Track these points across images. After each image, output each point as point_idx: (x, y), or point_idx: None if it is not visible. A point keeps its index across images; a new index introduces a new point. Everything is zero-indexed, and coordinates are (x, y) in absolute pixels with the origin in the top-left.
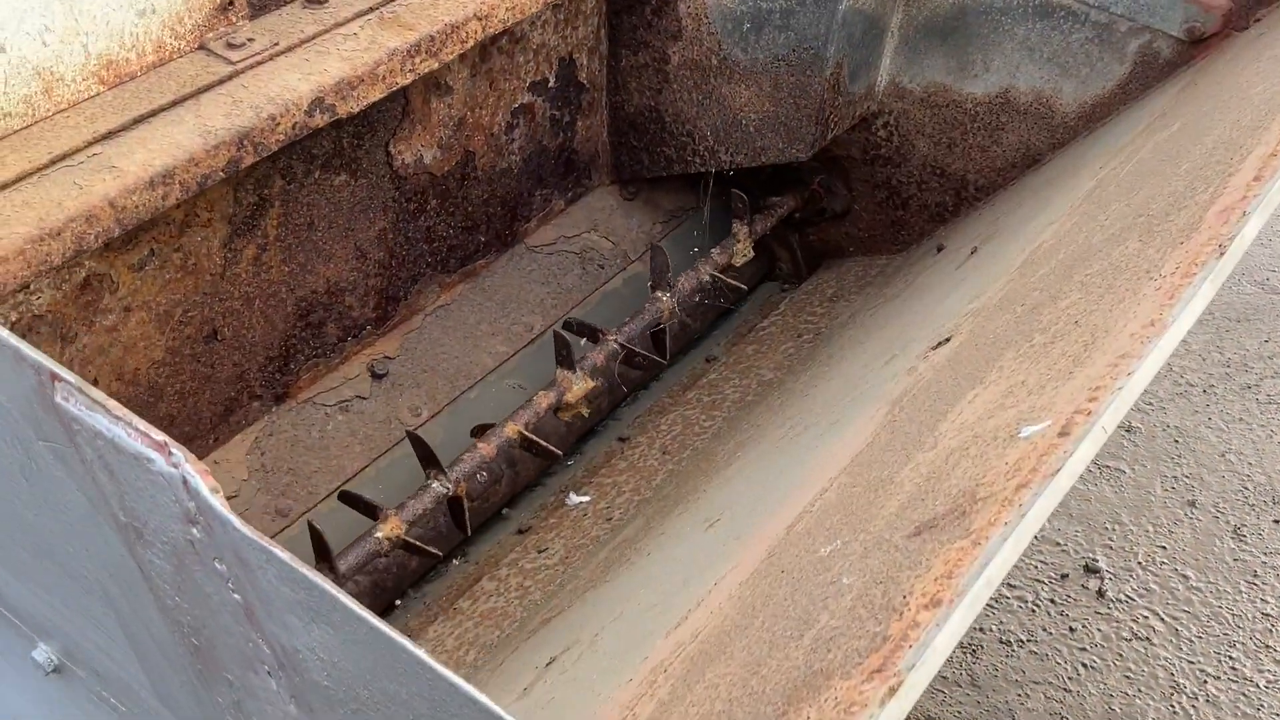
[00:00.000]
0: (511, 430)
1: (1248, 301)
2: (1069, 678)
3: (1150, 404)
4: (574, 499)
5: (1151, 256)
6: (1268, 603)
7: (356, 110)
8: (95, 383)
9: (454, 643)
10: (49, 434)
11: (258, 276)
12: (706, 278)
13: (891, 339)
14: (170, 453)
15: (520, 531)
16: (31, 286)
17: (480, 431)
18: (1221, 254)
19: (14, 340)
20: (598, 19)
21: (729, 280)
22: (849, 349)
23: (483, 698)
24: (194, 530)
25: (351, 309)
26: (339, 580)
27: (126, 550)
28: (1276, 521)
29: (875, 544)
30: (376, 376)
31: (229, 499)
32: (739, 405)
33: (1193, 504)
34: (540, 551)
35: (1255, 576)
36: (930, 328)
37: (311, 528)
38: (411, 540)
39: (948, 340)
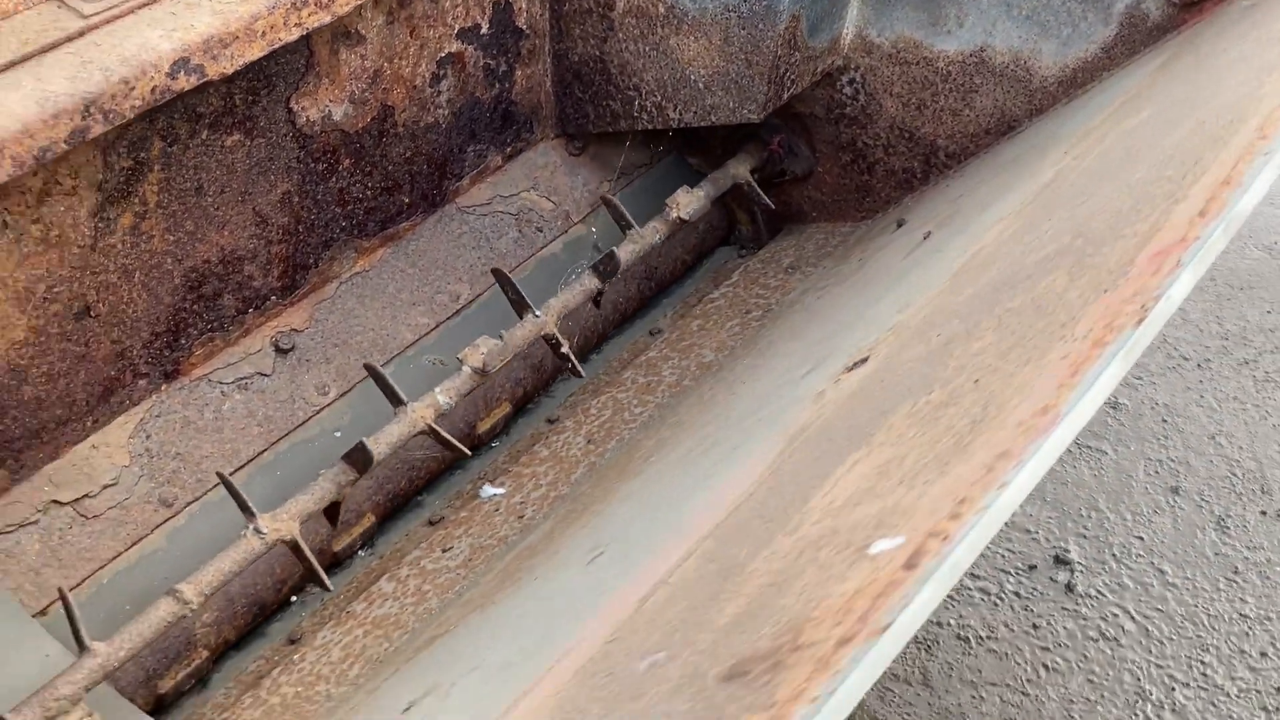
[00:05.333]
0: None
1: (1252, 268)
2: (1028, 680)
3: (1140, 378)
4: (488, 491)
5: (1073, 302)
6: (1246, 603)
7: (231, 71)
8: None
9: (340, 653)
10: None
11: (137, 247)
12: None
13: (818, 342)
14: None
15: (431, 523)
16: None
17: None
18: (1141, 320)
19: None
20: None
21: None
22: (785, 341)
23: None
24: None
25: (252, 279)
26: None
27: None
28: (1263, 513)
29: (687, 679)
30: (281, 351)
31: (106, 488)
32: (674, 390)
33: (1176, 491)
34: (445, 550)
35: (1236, 573)
36: (855, 336)
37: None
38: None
39: (864, 361)
